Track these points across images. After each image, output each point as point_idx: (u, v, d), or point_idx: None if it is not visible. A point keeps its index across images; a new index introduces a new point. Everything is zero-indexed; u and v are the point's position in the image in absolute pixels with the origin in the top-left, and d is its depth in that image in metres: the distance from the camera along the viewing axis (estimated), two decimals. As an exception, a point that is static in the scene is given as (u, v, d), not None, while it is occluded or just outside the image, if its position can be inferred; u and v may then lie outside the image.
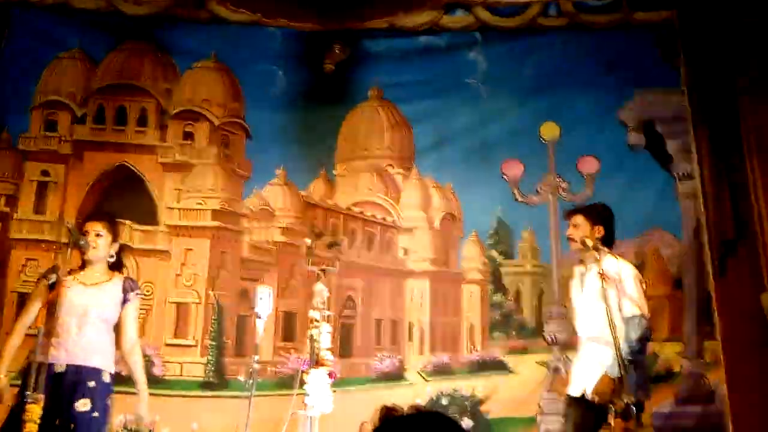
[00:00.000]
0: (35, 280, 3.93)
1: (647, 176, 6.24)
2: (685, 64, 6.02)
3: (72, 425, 3.50)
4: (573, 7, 6.49)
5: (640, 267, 6.03)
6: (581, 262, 4.10)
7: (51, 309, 3.55)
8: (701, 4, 5.74)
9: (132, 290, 3.87)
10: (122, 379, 5.51)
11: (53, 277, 3.68)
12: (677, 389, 5.76)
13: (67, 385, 3.56)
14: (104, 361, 3.70)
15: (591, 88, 6.43)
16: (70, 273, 3.72)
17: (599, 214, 4.06)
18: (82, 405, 3.55)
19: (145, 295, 5.81)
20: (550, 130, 6.39)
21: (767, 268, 5.35)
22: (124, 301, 3.84)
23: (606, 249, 3.90)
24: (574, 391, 3.89)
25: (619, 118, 6.36)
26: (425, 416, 1.51)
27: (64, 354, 3.60)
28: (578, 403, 3.86)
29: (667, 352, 5.88)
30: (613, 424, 3.80)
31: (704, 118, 5.89)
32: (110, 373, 3.73)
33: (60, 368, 3.57)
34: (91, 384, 3.62)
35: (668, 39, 6.27)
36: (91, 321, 3.70)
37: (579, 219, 4.05)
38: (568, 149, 6.35)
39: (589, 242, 3.92)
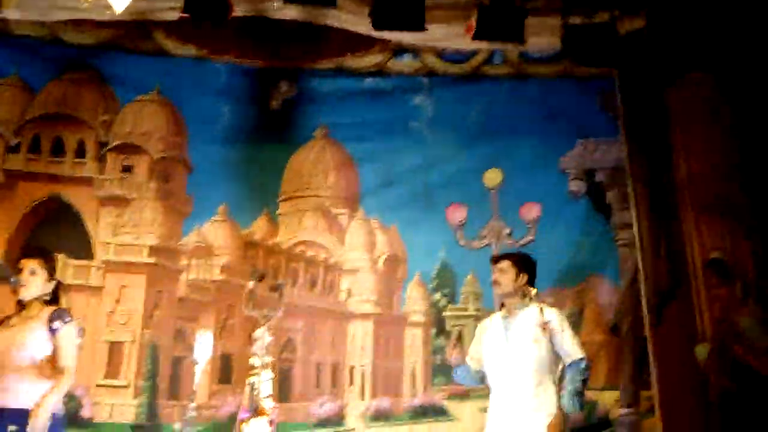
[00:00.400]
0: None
1: (588, 224, 6.37)
2: (624, 119, 6.19)
3: None
4: (517, 57, 6.63)
5: (578, 313, 6.21)
6: (502, 307, 4.12)
7: None
8: (640, 63, 5.93)
9: (58, 319, 3.66)
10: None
11: None
12: (613, 437, 5.82)
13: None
14: (33, 400, 3.49)
15: (534, 135, 6.55)
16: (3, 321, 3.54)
17: (525, 262, 4.10)
18: None
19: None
20: (493, 177, 6.47)
21: (701, 318, 5.48)
22: (52, 332, 3.64)
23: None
24: None
25: (561, 166, 6.49)
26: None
27: None
28: None
29: (605, 400, 5.94)
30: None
31: (641, 170, 6.06)
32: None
33: None
34: (12, 428, 3.42)
35: (609, 91, 6.46)
36: (12, 364, 3.50)
37: (505, 264, 4.09)
38: (511, 195, 6.45)
39: (532, 291, 3.97)
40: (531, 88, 6.65)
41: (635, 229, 5.99)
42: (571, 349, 3.83)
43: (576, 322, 6.16)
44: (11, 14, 5.31)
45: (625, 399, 5.94)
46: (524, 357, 3.88)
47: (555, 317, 3.95)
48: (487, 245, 6.36)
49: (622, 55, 5.73)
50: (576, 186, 6.46)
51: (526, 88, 6.65)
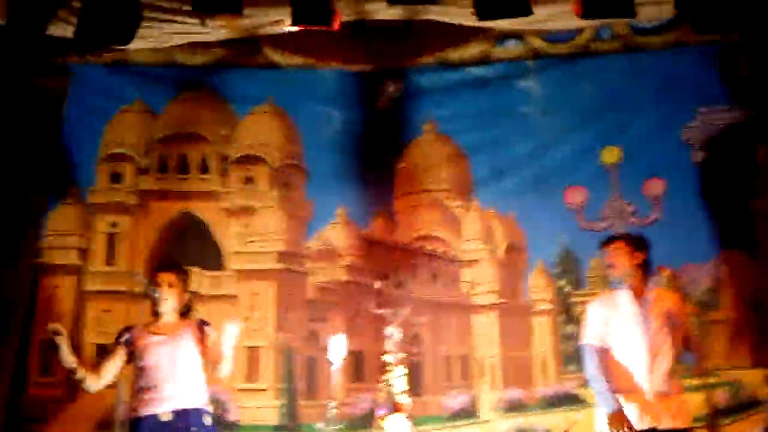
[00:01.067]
0: (112, 333, 3.96)
1: (718, 194, 6.06)
2: (749, 85, 5.86)
3: None
4: (627, 30, 6.40)
5: (714, 290, 5.93)
6: (631, 288, 3.99)
7: (136, 365, 3.60)
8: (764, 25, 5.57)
9: (206, 325, 3.89)
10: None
11: (125, 336, 3.75)
12: (764, 418, 5.52)
13: (178, 429, 3.59)
14: (202, 402, 3.74)
15: (651, 108, 6.33)
16: (145, 328, 3.78)
17: (638, 241, 4.05)
18: None
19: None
20: (610, 155, 6.29)
21: None
22: (202, 339, 3.86)
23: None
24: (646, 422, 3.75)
25: (683, 137, 6.22)
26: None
27: (166, 402, 3.63)
28: None
29: (751, 379, 5.65)
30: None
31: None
32: (209, 413, 3.76)
33: (165, 417, 3.61)
34: (194, 429, 3.65)
35: (728, 57, 6.13)
36: (181, 366, 3.73)
37: (619, 244, 4.02)
38: (631, 172, 6.24)
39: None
40: (643, 60, 6.41)
41: (769, 196, 5.68)
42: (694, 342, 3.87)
43: (713, 299, 5.90)
44: (131, 45, 5.62)
45: (773, 377, 5.63)
46: (660, 339, 3.81)
47: (681, 303, 3.93)
48: (610, 226, 6.18)
49: (743, 18, 5.41)
50: (701, 156, 6.17)
51: (639, 60, 6.41)
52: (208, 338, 3.86)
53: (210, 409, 3.78)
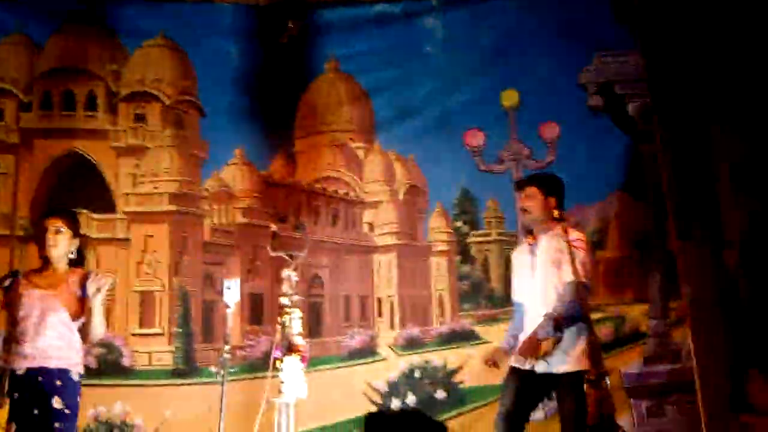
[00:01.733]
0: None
1: (609, 139, 6.25)
2: (642, 29, 5.99)
3: (54, 424, 3.42)
4: (528, -29, 6.40)
5: (603, 230, 6.18)
6: (529, 234, 4.09)
7: (10, 313, 3.45)
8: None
9: (90, 282, 3.74)
10: (92, 372, 5.47)
11: (8, 282, 3.58)
12: (645, 350, 5.86)
13: (34, 388, 3.49)
14: (69, 362, 3.63)
15: (550, 52, 6.38)
16: (28, 276, 3.61)
17: (552, 184, 4.07)
18: (56, 402, 3.49)
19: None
20: (510, 98, 6.35)
21: (727, 227, 5.42)
22: (83, 296, 3.73)
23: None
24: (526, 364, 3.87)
25: (579, 81, 6.34)
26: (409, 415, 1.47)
27: (25, 359, 3.51)
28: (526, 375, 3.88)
29: (634, 314, 5.97)
30: (587, 392, 3.85)
31: (661, 79, 5.90)
32: (78, 372, 3.66)
33: (20, 372, 3.49)
34: (59, 383, 3.55)
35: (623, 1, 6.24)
36: (50, 324, 3.60)
37: (532, 189, 4.03)
38: (529, 115, 6.33)
39: (555, 213, 3.95)
40: (543, 2, 6.44)
41: (658, 140, 5.89)
42: (571, 269, 3.68)
43: (601, 239, 6.15)
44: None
45: (653, 311, 5.95)
46: (548, 282, 3.87)
47: (577, 237, 3.89)
48: (507, 169, 6.29)
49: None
50: (596, 101, 6.31)
51: (539, 3, 6.44)
52: (90, 297, 3.72)
53: (80, 369, 3.65)
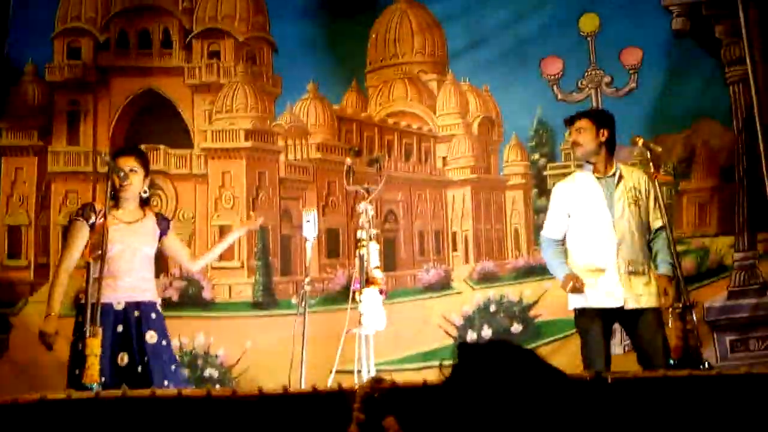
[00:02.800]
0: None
1: (694, 64, 5.94)
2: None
3: (145, 358, 3.57)
4: None
5: (688, 159, 5.94)
6: (594, 167, 3.98)
7: (97, 249, 3.55)
8: None
9: (165, 222, 3.89)
10: (174, 305, 5.67)
11: (92, 216, 3.68)
12: (730, 283, 5.67)
13: (130, 321, 3.62)
14: (155, 295, 3.81)
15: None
16: (111, 212, 3.71)
17: (603, 117, 4.01)
18: (150, 337, 3.64)
19: (180, 219, 5.86)
20: (589, 22, 6.09)
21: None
22: (161, 235, 3.85)
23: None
24: (615, 302, 3.83)
25: (663, 3, 6.01)
26: (500, 344, 1.44)
27: (122, 292, 3.64)
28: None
29: (719, 246, 5.76)
30: (672, 326, 3.78)
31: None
32: (159, 304, 3.83)
33: (119, 306, 3.62)
34: (153, 316, 3.69)
35: None
36: (140, 258, 3.73)
37: (584, 122, 3.97)
38: (608, 41, 6.06)
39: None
40: None
41: (748, 63, 5.58)
42: (657, 214, 3.91)
43: (686, 168, 5.92)
44: None
45: (739, 243, 5.73)
46: (628, 218, 3.85)
47: (646, 179, 3.97)
48: (587, 97, 6.07)
49: None
50: (680, 23, 5.99)
51: None
52: (167, 236, 3.85)
53: (159, 302, 3.80)
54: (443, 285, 6.12)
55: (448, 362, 1.40)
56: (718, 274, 5.71)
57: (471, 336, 5.82)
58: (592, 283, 3.86)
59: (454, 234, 6.34)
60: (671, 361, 3.72)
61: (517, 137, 6.32)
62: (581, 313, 3.95)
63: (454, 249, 6.29)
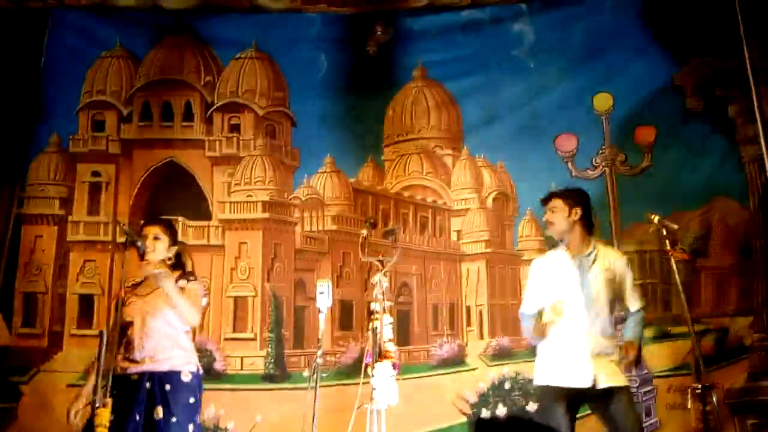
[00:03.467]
0: (96, 283, 3.94)
1: (708, 143, 5.99)
2: (744, 24, 5.74)
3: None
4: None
5: (704, 237, 5.91)
6: (568, 246, 3.98)
7: (118, 323, 3.57)
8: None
9: (183, 278, 3.83)
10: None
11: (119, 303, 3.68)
12: (749, 364, 5.55)
13: (142, 392, 3.59)
14: (179, 361, 3.72)
15: (643, 53, 6.19)
16: (131, 288, 3.74)
17: (577, 196, 4.05)
18: (158, 413, 3.58)
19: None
20: (603, 101, 6.18)
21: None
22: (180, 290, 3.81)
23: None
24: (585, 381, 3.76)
25: (675, 83, 6.11)
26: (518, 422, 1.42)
27: (135, 364, 3.63)
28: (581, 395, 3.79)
29: (738, 326, 5.66)
30: (691, 407, 3.71)
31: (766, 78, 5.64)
32: (191, 372, 3.73)
33: (135, 377, 3.61)
34: (167, 387, 3.63)
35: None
36: (154, 327, 3.71)
37: (557, 203, 4.00)
38: (622, 119, 6.14)
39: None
40: (636, 2, 6.26)
41: (762, 144, 5.61)
42: (635, 296, 3.99)
43: (702, 246, 5.89)
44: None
45: (758, 323, 5.64)
46: (600, 298, 3.86)
47: (623, 261, 4.01)
48: (601, 174, 6.12)
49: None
50: (693, 103, 6.07)
51: (631, 2, 6.26)
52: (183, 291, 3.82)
53: (191, 367, 3.73)
54: (457, 360, 6.04)
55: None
56: (738, 355, 5.61)
57: (485, 413, 5.70)
58: (561, 362, 3.81)
59: (468, 308, 6.29)
60: (689, 445, 3.63)
61: (531, 212, 6.34)
62: (547, 391, 3.88)
63: (469, 324, 6.24)
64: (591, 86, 6.25)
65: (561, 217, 3.95)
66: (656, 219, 4.01)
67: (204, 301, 3.93)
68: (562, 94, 6.29)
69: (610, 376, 3.75)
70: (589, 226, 3.99)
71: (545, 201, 4.07)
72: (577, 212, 3.94)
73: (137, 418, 3.54)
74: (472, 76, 6.52)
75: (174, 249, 3.92)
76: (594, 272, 3.88)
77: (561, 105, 6.27)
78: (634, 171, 6.05)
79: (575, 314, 3.82)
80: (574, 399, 3.80)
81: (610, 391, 3.75)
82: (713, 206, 5.94)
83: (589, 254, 3.92)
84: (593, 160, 6.16)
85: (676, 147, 6.02)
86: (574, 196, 4.01)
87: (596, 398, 3.79)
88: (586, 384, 3.74)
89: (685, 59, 6.14)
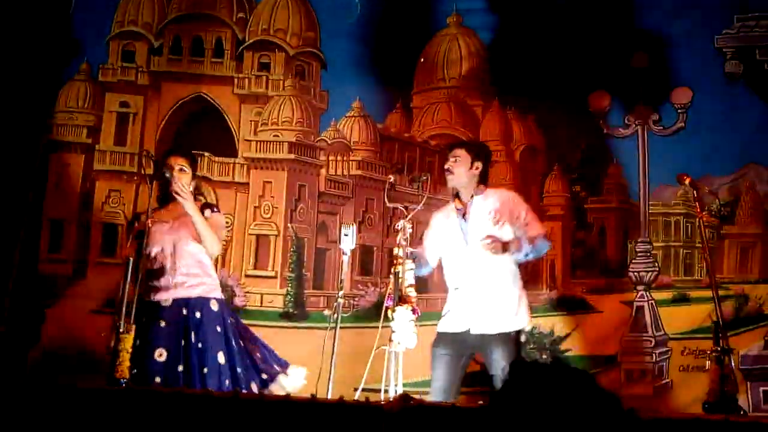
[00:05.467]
0: (120, 213, 3.97)
1: (745, 108, 5.86)
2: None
3: (192, 359, 3.60)
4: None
5: (733, 203, 5.84)
6: (456, 197, 4.10)
7: (144, 251, 3.61)
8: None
9: (208, 208, 3.91)
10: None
11: (136, 231, 3.72)
12: (766, 332, 5.54)
13: (176, 318, 3.65)
14: (209, 288, 3.76)
15: (685, 13, 6.03)
16: (154, 213, 3.78)
17: (481, 151, 4.11)
18: (191, 338, 3.64)
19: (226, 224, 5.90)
20: (640, 59, 6.05)
21: None
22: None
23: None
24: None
25: (716, 45, 5.96)
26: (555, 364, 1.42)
27: (167, 290, 3.68)
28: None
29: (759, 293, 5.63)
30: (708, 368, 3.72)
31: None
32: (217, 300, 3.79)
33: (166, 303, 3.67)
34: (198, 314, 3.70)
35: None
36: (184, 254, 3.76)
37: (461, 152, 4.04)
38: (659, 79, 6.01)
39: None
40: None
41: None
42: (535, 225, 4.07)
43: (731, 212, 5.82)
44: None
45: (781, 291, 5.60)
46: (483, 254, 3.88)
47: (511, 197, 4.09)
48: (633, 133, 6.03)
49: None
50: (733, 67, 5.92)
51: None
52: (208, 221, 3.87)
53: (217, 294, 3.80)
54: (475, 311, 6.05)
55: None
56: (756, 322, 5.58)
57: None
58: (447, 308, 4.01)
59: (488, 260, 6.28)
60: (705, 404, 3.65)
61: (559, 168, 6.27)
62: (436, 338, 4.03)
63: (489, 275, 6.23)
64: (629, 44, 6.10)
65: (462, 168, 4.00)
66: (687, 180, 3.96)
67: (224, 230, 3.99)
68: (598, 50, 6.15)
69: (490, 324, 3.89)
70: (484, 182, 4.07)
71: (450, 149, 4.09)
72: (478, 167, 3.97)
73: (175, 341, 3.61)
74: (507, 28, 6.39)
75: (194, 183, 3.96)
76: (476, 217, 3.98)
77: (597, 60, 6.14)
78: (667, 131, 5.95)
79: (456, 261, 4.00)
80: (459, 345, 3.95)
81: (489, 338, 3.89)
82: (744, 173, 5.85)
83: (471, 204, 4.02)
84: (626, 118, 6.06)
85: (712, 110, 5.91)
86: (477, 150, 4.08)
87: (478, 345, 3.95)
88: (461, 329, 3.93)
89: (726, 21, 5.97)
